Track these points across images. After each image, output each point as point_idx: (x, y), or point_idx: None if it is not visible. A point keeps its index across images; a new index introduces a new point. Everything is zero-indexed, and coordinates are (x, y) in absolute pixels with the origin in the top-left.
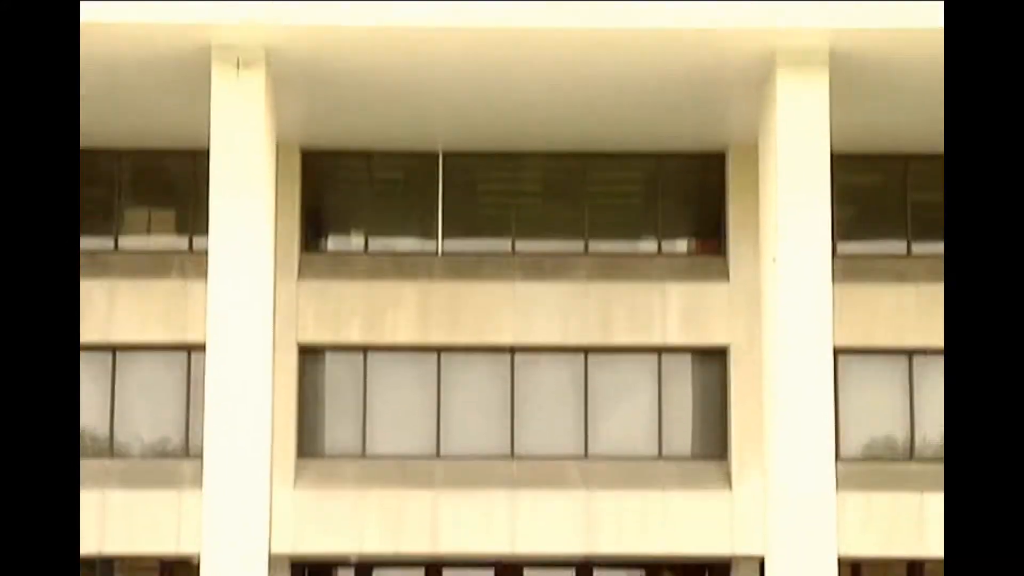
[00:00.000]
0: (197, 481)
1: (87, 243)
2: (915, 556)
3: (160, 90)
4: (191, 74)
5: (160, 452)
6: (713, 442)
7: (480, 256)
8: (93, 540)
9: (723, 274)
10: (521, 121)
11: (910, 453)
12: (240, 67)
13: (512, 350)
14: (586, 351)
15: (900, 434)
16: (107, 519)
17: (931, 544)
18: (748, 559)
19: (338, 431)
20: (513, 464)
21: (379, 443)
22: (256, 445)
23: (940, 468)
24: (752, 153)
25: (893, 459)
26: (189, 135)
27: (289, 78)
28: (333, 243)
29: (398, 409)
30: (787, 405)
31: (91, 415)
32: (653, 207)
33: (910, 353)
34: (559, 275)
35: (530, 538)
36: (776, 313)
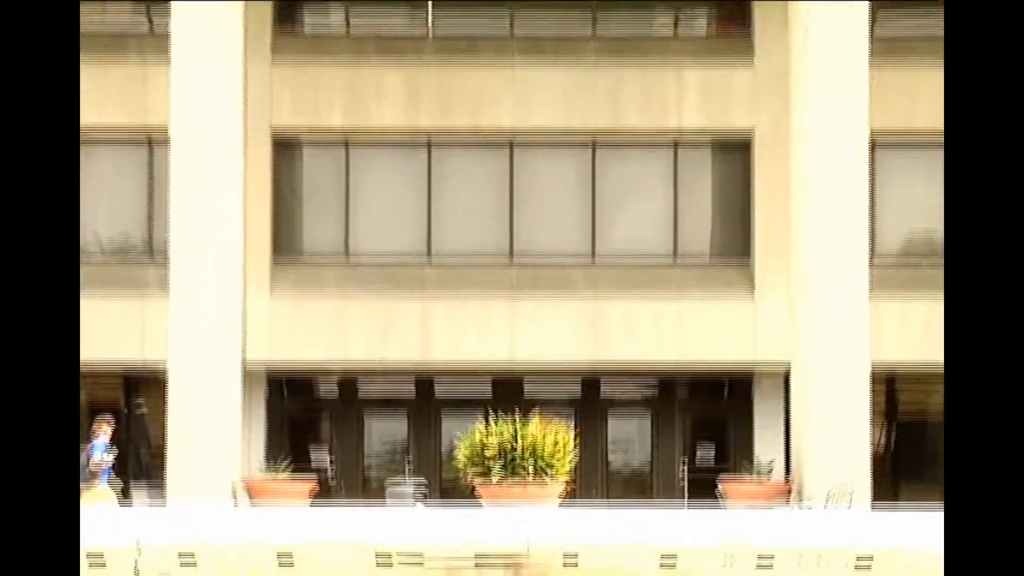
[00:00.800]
0: (163, 285)
1: None
2: None
3: None
4: None
5: (121, 254)
6: (734, 242)
7: (474, 37)
8: None
9: (747, 54)
10: None
11: None
12: None
13: (511, 140)
14: (593, 141)
15: (941, 233)
16: None
17: None
18: (772, 371)
19: (318, 231)
20: (512, 267)
21: (364, 244)
22: (227, 245)
23: None
24: None
25: (933, 260)
26: None
27: None
28: (310, 22)
29: (384, 206)
30: (817, 200)
31: None
32: None
33: None
34: (563, 57)
35: (531, 347)
36: (807, 96)
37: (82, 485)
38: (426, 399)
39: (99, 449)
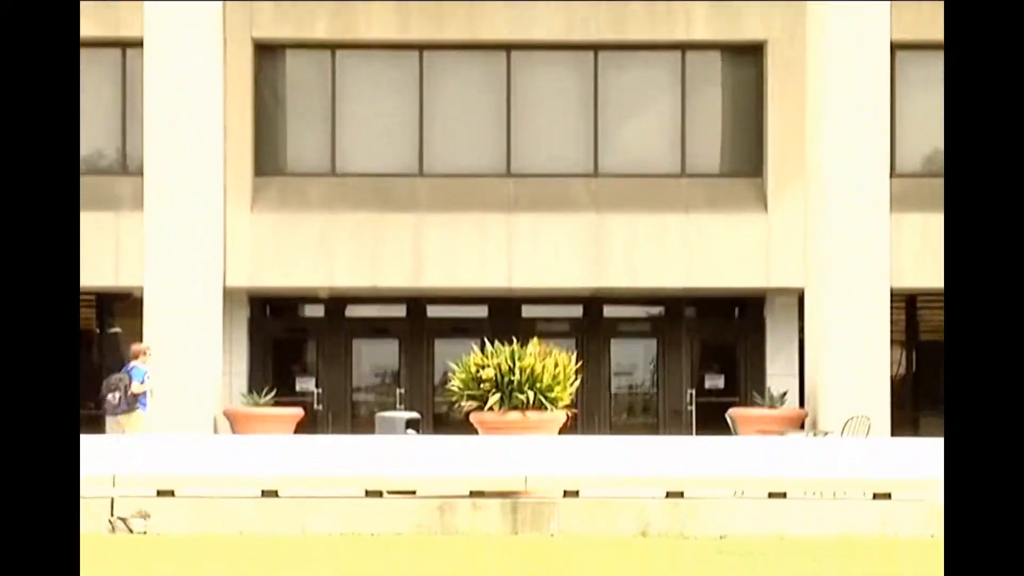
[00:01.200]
0: (137, 202)
1: None
2: None
3: None
4: None
5: (93, 167)
6: (746, 156)
7: None
8: None
9: None
10: None
11: None
12: None
13: (508, 47)
14: (596, 48)
15: None
16: None
17: None
18: (785, 292)
19: (303, 145)
20: (510, 183)
21: (351, 159)
22: (205, 159)
23: None
24: None
25: None
26: None
27: None
28: None
29: (374, 118)
30: (835, 111)
31: None
32: None
33: None
34: None
35: (529, 268)
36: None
37: (119, 413)
38: (418, 324)
39: (138, 375)
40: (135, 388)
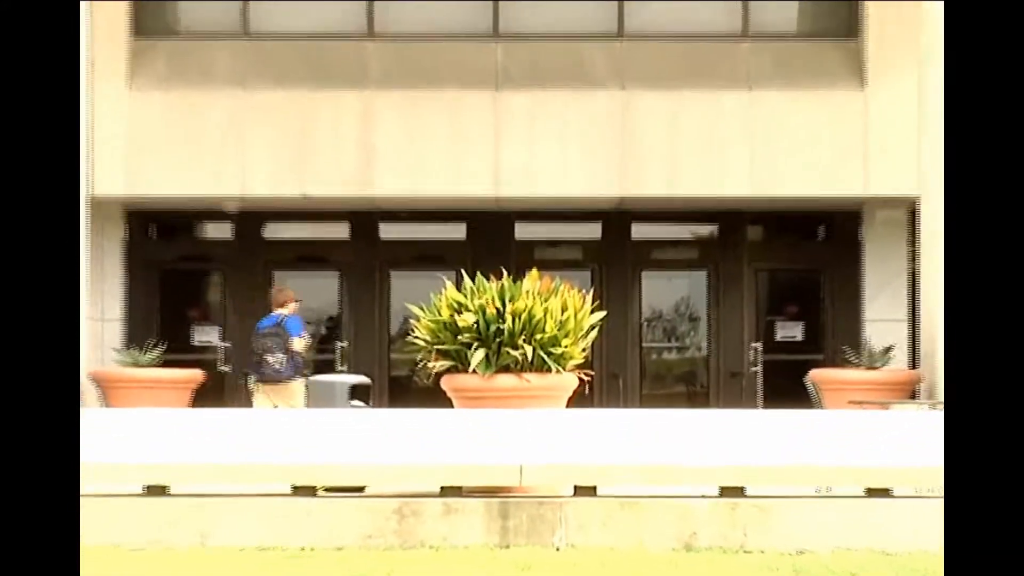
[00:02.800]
0: None
1: None
2: None
3: None
4: None
5: None
6: (833, 10)
7: None
8: None
9: None
10: None
11: None
12: None
13: None
14: None
15: None
16: None
17: None
18: (890, 203)
19: None
20: (497, 49)
21: (271, 15)
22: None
23: None
24: None
25: None
26: None
27: None
28: None
29: None
30: None
31: None
32: None
33: None
34: None
35: (525, 170)
36: None
37: (281, 379)
38: (367, 250)
39: (294, 328)
40: (296, 345)
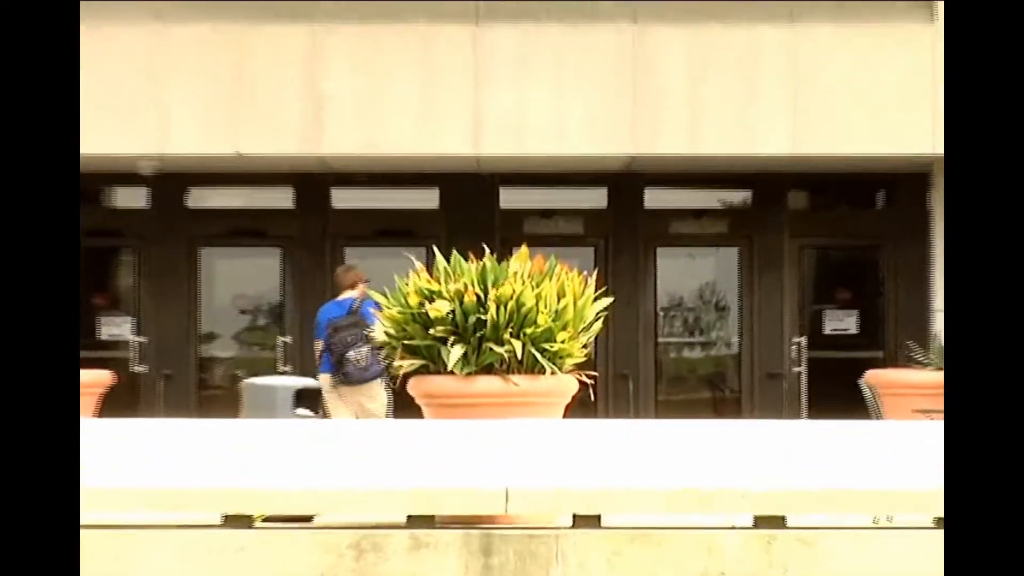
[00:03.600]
0: None
1: None
2: None
3: None
4: None
5: None
6: None
7: None
8: None
9: None
10: None
11: None
12: None
13: None
14: None
15: None
16: None
17: None
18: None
19: None
20: None
21: None
22: None
23: None
24: None
25: None
26: None
27: None
28: None
29: None
30: None
31: None
32: None
33: None
34: None
35: (513, 125)
36: None
37: (367, 379)
38: (316, 222)
39: (369, 317)
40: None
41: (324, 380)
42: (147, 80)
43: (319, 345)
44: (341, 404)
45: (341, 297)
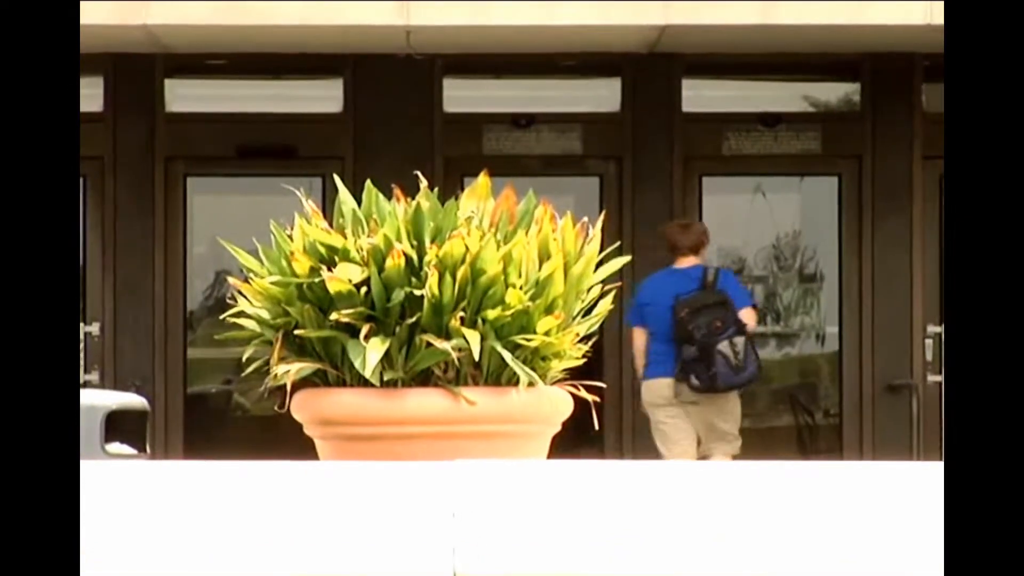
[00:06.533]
0: None
1: None
2: None
3: None
4: None
5: None
6: None
7: None
8: None
9: None
10: None
11: None
12: None
13: None
14: None
15: None
16: None
17: None
18: None
19: None
20: None
21: None
22: None
23: None
24: None
25: None
26: None
27: None
28: None
29: None
30: None
31: None
32: None
33: None
34: None
35: None
36: None
37: (741, 381)
38: (137, 130)
39: (743, 292)
40: (751, 320)
41: (654, 388)
42: None
43: (640, 336)
44: (683, 423)
45: (685, 264)
